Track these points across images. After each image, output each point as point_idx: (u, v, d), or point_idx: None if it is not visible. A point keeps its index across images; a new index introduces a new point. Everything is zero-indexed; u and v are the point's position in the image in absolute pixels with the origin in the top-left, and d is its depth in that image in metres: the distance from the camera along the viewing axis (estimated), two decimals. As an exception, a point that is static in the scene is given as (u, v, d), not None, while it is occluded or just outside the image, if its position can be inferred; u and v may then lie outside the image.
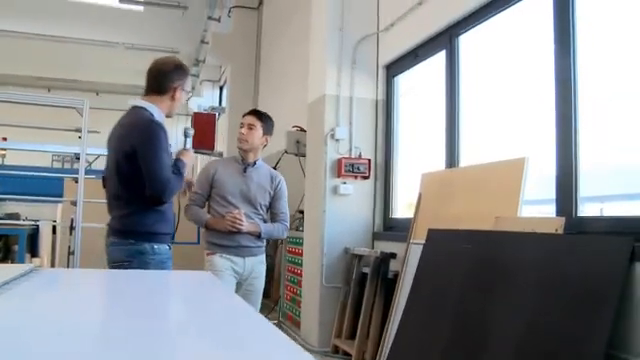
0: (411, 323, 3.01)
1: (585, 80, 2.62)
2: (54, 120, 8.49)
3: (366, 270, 4.01)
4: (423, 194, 3.59)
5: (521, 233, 2.51)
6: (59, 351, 0.86)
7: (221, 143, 8.52)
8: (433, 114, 3.92)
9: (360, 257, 4.14)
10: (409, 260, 3.43)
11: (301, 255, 4.82)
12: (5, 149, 8.00)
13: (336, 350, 4.15)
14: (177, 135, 5.60)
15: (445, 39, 3.74)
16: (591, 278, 2.07)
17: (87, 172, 4.50)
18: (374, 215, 4.44)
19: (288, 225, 3.31)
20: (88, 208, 4.35)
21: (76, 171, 4.52)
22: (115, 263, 2.47)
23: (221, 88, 11.11)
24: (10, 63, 11.56)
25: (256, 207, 3.16)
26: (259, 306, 3.27)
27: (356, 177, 4.38)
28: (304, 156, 4.98)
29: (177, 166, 2.54)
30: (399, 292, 3.44)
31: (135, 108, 2.56)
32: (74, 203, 4.19)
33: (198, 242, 4.93)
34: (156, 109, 2.54)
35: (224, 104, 10.25)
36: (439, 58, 3.85)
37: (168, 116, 2.61)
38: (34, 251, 6.72)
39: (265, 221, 3.22)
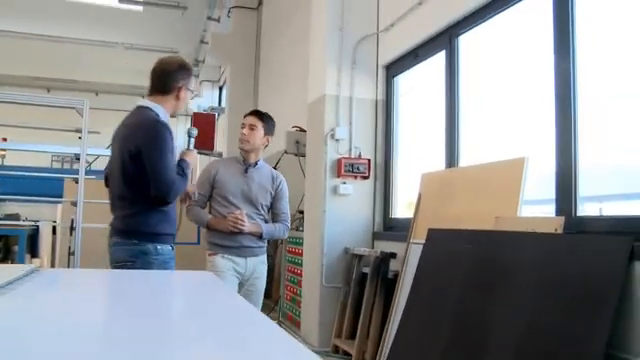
0: (411, 323, 3.02)
1: (585, 80, 2.63)
2: (53, 120, 8.49)
3: (366, 270, 4.02)
4: (423, 194, 3.59)
5: (521, 233, 2.52)
6: (62, 351, 0.86)
7: (221, 143, 8.53)
8: (433, 114, 3.92)
9: (360, 257, 4.15)
10: (409, 260, 3.44)
11: (301, 255, 4.83)
12: (5, 150, 8.00)
13: (336, 350, 4.16)
14: (177, 135, 5.60)
15: (445, 39, 3.74)
16: (591, 278, 2.08)
17: (87, 172, 4.50)
18: (374, 215, 4.45)
19: (289, 225, 3.32)
20: (88, 208, 4.35)
21: (76, 171, 4.52)
22: (118, 263, 2.47)
23: (220, 88, 11.11)
24: (8, 63, 11.56)
25: (257, 207, 3.17)
26: (260, 306, 3.28)
27: (356, 177, 4.38)
28: (304, 156, 4.98)
29: (181, 167, 2.53)
30: (399, 292, 3.44)
31: (140, 108, 2.56)
32: (74, 203, 4.19)
33: (198, 242, 4.93)
34: (161, 109, 2.54)
35: (224, 104, 10.25)
36: (439, 58, 3.86)
37: (172, 116, 2.61)
38: (34, 252, 6.72)
39: (266, 221, 3.23)
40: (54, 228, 6.21)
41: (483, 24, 3.43)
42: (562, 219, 2.45)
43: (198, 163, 2.96)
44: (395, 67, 4.42)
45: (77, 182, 4.20)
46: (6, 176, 6.01)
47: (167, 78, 2.57)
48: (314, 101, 4.64)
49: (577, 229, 2.49)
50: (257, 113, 3.29)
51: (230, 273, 3.07)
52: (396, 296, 3.47)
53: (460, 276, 2.73)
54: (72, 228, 4.24)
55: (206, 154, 6.85)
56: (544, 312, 2.17)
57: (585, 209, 2.59)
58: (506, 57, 3.42)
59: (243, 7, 8.73)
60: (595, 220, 2.53)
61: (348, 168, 4.33)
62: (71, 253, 4.24)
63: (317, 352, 4.14)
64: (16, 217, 6.98)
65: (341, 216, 4.35)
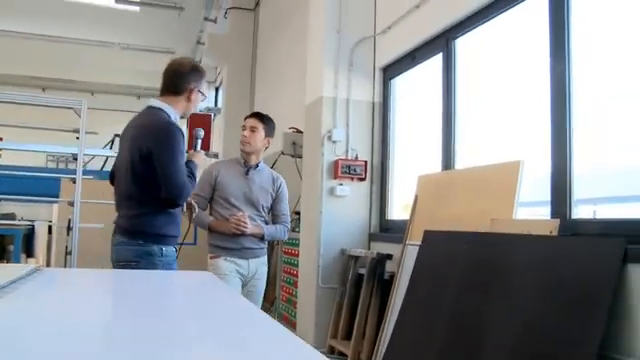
0: (407, 324, 3.04)
1: (580, 83, 2.66)
2: (48, 120, 8.49)
3: (362, 271, 4.04)
4: (419, 196, 3.62)
5: (516, 235, 2.54)
6: (63, 351, 0.87)
7: (217, 144, 8.53)
8: (429, 116, 3.95)
9: (356, 258, 4.16)
10: (405, 261, 3.46)
11: (297, 256, 4.85)
12: (1, 149, 7.98)
13: (332, 351, 4.17)
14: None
15: (442, 42, 3.77)
16: (585, 280, 2.10)
17: (84, 172, 4.50)
18: (370, 216, 4.47)
19: (289, 226, 3.34)
20: (85, 208, 4.35)
21: (73, 171, 4.52)
22: (122, 262, 2.46)
23: (217, 89, 11.11)
24: (4, 62, 11.53)
25: (258, 209, 3.18)
26: (260, 306, 3.30)
27: (352, 179, 4.40)
28: (300, 157, 5.00)
29: (190, 168, 2.53)
30: (395, 293, 3.46)
31: (151, 108, 2.54)
32: (71, 203, 4.19)
33: (195, 242, 4.94)
34: (172, 110, 2.53)
35: (220, 105, 10.26)
36: (436, 61, 3.89)
37: (182, 117, 2.60)
38: (29, 251, 6.71)
39: (266, 223, 3.25)
40: (50, 228, 6.20)
41: (480, 27, 3.45)
42: (557, 222, 2.47)
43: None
44: (392, 69, 4.44)
45: (74, 182, 4.20)
46: (2, 175, 6.00)
47: (179, 79, 2.56)
48: (311, 103, 4.66)
49: (572, 231, 2.51)
50: (258, 115, 3.31)
51: (233, 275, 3.09)
52: (392, 297, 3.49)
53: (456, 278, 2.75)
54: (69, 228, 4.24)
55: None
56: (539, 313, 2.20)
57: (579, 212, 2.62)
58: (502, 60, 3.45)
59: (240, 8, 8.74)
60: (589, 223, 2.55)
61: (345, 170, 4.35)
62: (68, 253, 4.24)
63: (313, 353, 4.16)
64: (12, 217, 6.97)
65: (337, 217, 4.37)
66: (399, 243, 3.64)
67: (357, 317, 3.88)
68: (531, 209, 3.05)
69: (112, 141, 9.43)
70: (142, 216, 2.46)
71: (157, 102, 2.56)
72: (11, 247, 6.25)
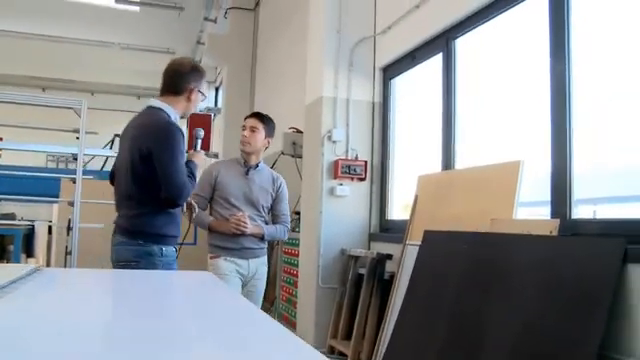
0: (407, 324, 3.04)
1: (580, 83, 2.66)
2: (48, 120, 8.49)
3: (362, 271, 4.04)
4: (419, 196, 3.62)
5: (516, 235, 2.54)
6: (63, 351, 0.87)
7: (217, 144, 8.54)
8: (429, 116, 3.95)
9: (356, 258, 4.17)
10: (405, 261, 3.46)
11: (297, 256, 4.85)
12: (1, 149, 7.98)
13: (332, 351, 4.17)
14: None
15: (442, 42, 3.77)
16: (585, 280, 2.10)
17: (84, 172, 4.50)
18: (370, 216, 4.47)
19: (289, 226, 3.34)
20: (85, 208, 4.35)
21: (73, 171, 4.52)
22: (122, 262, 2.46)
23: (217, 89, 11.12)
24: (4, 62, 11.53)
25: (258, 209, 3.18)
26: (260, 306, 3.30)
27: (352, 179, 4.41)
28: (300, 157, 5.00)
29: (190, 168, 2.53)
30: (395, 293, 3.47)
31: (151, 108, 2.54)
32: (71, 203, 4.19)
33: (195, 242, 4.94)
34: (172, 110, 2.53)
35: (220, 105, 10.26)
36: (436, 61, 3.89)
37: (182, 117, 2.60)
38: (29, 251, 6.71)
39: (266, 223, 3.25)
40: (50, 228, 6.20)
41: (480, 27, 3.45)
42: (557, 222, 2.48)
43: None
44: (392, 69, 4.44)
45: (74, 182, 4.20)
46: (2, 175, 6.00)
47: (179, 79, 2.56)
48: (311, 103, 4.66)
49: (572, 231, 2.51)
50: (258, 115, 3.31)
51: (233, 275, 3.09)
52: (392, 297, 3.49)
53: (456, 277, 2.75)
54: (69, 228, 4.24)
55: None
56: (539, 313, 2.20)
57: (579, 212, 2.62)
58: (502, 60, 3.45)
59: (240, 8, 8.74)
60: (589, 223, 2.55)
61: (345, 170, 4.35)
62: (68, 253, 4.24)
63: (313, 353, 4.16)
64: (12, 217, 6.98)
65: (337, 217, 4.37)
66: (399, 243, 3.64)
67: (357, 317, 3.88)
68: (531, 209, 3.05)
69: (112, 141, 9.44)
70: (142, 216, 2.46)
71: (157, 102, 2.56)
72: (11, 247, 6.26)
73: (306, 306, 4.52)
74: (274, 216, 3.29)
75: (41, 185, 6.05)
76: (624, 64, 2.57)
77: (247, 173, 3.20)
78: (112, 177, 2.69)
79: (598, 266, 2.09)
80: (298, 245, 4.81)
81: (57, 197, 5.24)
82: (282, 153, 5.32)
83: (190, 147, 2.70)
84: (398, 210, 4.39)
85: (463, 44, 3.67)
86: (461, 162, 3.58)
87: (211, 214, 3.19)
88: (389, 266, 3.84)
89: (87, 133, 4.30)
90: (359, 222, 4.44)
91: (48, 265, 5.90)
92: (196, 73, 2.61)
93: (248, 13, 8.78)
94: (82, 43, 10.73)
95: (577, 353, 2.00)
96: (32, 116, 8.86)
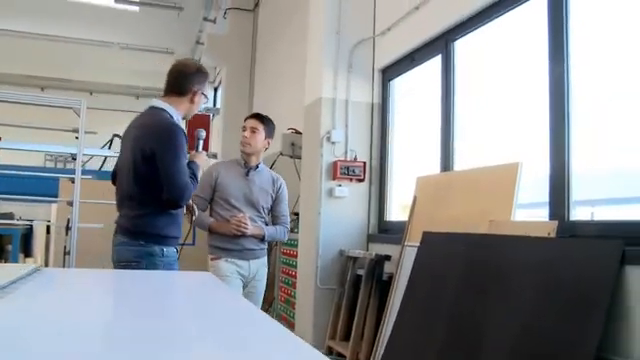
0: (405, 324, 3.05)
1: (578, 85, 2.67)
2: (46, 120, 8.45)
3: (361, 272, 4.05)
4: (418, 197, 3.63)
5: (515, 236, 2.55)
6: (64, 351, 0.88)
7: (215, 144, 8.54)
8: (428, 118, 3.96)
9: (355, 259, 4.17)
10: (403, 262, 3.47)
11: (295, 257, 4.85)
12: (0, 149, 7.96)
13: (330, 351, 4.18)
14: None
15: (441, 44, 3.78)
16: (583, 281, 2.11)
17: (83, 172, 4.50)
18: (369, 217, 4.48)
19: (289, 227, 3.35)
20: (84, 208, 4.35)
21: (72, 171, 4.52)
22: (123, 263, 2.45)
23: (216, 89, 11.12)
24: (3, 62, 11.51)
25: (259, 210, 3.19)
26: (259, 307, 3.30)
27: (351, 180, 4.41)
28: (299, 158, 5.01)
29: (192, 169, 2.52)
30: (393, 294, 3.47)
31: (154, 109, 2.54)
32: (70, 203, 4.19)
33: (193, 243, 4.94)
34: (174, 111, 2.53)
35: (219, 105, 10.26)
36: (435, 62, 3.90)
37: (184, 119, 2.61)
38: (27, 251, 6.71)
39: (266, 224, 3.25)
40: (48, 227, 6.20)
41: (479, 29, 3.46)
42: (555, 223, 2.48)
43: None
44: (391, 71, 4.45)
45: (73, 182, 4.20)
46: (0, 175, 5.99)
47: (184, 80, 2.56)
48: (310, 104, 4.66)
49: (570, 233, 2.52)
50: (258, 116, 3.31)
51: (234, 276, 3.09)
52: (390, 298, 3.50)
53: (454, 279, 2.76)
54: (68, 228, 4.24)
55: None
56: (537, 315, 2.21)
57: (577, 213, 2.63)
58: (501, 62, 3.46)
59: (239, 8, 8.75)
60: (587, 224, 2.56)
61: (344, 171, 4.35)
62: (67, 253, 4.24)
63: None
64: (10, 216, 6.97)
65: (336, 218, 4.38)
66: (397, 244, 3.65)
67: (355, 318, 3.89)
68: (529, 210, 3.06)
69: (111, 141, 9.42)
70: (144, 217, 2.46)
71: (160, 102, 2.56)
72: (9, 247, 6.25)
73: (304, 307, 4.52)
74: (274, 217, 3.29)
75: (39, 185, 6.04)
76: (623, 65, 2.59)
77: (247, 174, 3.21)
78: (114, 177, 2.69)
79: (596, 268, 2.10)
80: (297, 246, 4.81)
81: (56, 197, 5.24)
82: (281, 154, 5.33)
83: (192, 148, 2.70)
84: (397, 211, 4.40)
85: (462, 46, 3.68)
86: (460, 163, 3.59)
87: (211, 215, 3.19)
88: (387, 267, 3.85)
89: (86, 133, 4.30)
90: (358, 223, 4.44)
91: (46, 265, 5.90)
92: (200, 75, 2.62)
93: (247, 14, 8.79)
94: (81, 43, 10.72)
95: (575, 355, 2.01)
96: (31, 116, 8.83)
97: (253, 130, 3.20)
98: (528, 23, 3.08)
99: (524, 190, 2.78)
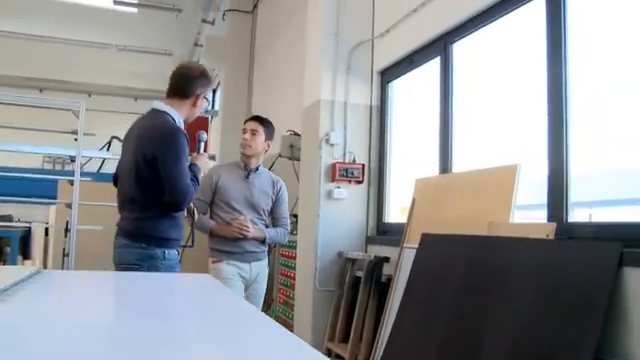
0: (404, 327, 3.05)
1: (576, 88, 2.68)
2: (44, 121, 8.43)
3: (359, 274, 4.05)
4: (417, 199, 3.64)
5: (513, 238, 2.56)
6: (65, 351, 0.88)
7: (214, 146, 8.54)
8: (427, 120, 3.97)
9: (354, 261, 4.18)
10: (402, 264, 3.47)
11: (294, 259, 4.86)
12: (-1, 150, 7.96)
13: (329, 353, 4.18)
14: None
15: (440, 46, 3.79)
16: (581, 283, 2.12)
17: (81, 174, 4.50)
18: (368, 219, 4.48)
19: (289, 229, 3.35)
20: (82, 210, 4.35)
21: (72, 173, 4.52)
22: (124, 265, 2.46)
23: (214, 91, 11.13)
24: (1, 63, 11.50)
25: (259, 212, 3.19)
26: (260, 309, 3.31)
27: (350, 182, 4.42)
28: (298, 160, 5.01)
29: (193, 172, 2.52)
30: (392, 295, 3.48)
31: (156, 111, 2.55)
32: (69, 205, 4.19)
33: (192, 245, 4.94)
34: (176, 113, 2.54)
35: (217, 107, 10.27)
36: (433, 65, 3.91)
37: (185, 122, 2.61)
38: (26, 253, 6.70)
39: (267, 226, 3.26)
40: (46, 229, 6.19)
41: (478, 31, 3.48)
42: (554, 225, 2.50)
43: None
44: (390, 73, 4.46)
45: (72, 184, 4.20)
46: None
47: (187, 83, 2.57)
48: (309, 106, 4.67)
49: (568, 235, 2.53)
50: (258, 118, 3.32)
51: (236, 279, 3.09)
52: (389, 300, 3.50)
53: (453, 280, 2.77)
54: (67, 230, 4.24)
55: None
56: (536, 317, 2.22)
57: (575, 215, 2.64)
58: (500, 64, 3.47)
59: (238, 10, 8.75)
60: (585, 226, 2.58)
61: (342, 173, 4.36)
62: (66, 255, 4.24)
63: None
64: (9, 218, 6.96)
65: (335, 220, 4.38)
66: (396, 246, 3.65)
67: (354, 320, 3.89)
68: (528, 212, 3.07)
69: (109, 143, 9.41)
70: (145, 219, 2.46)
71: (162, 105, 2.56)
72: (7, 249, 6.24)
73: (303, 309, 4.53)
74: (274, 219, 3.30)
75: (38, 186, 6.03)
76: (621, 68, 2.60)
77: (247, 177, 3.21)
78: (115, 179, 2.70)
79: (594, 270, 2.11)
80: (295, 248, 4.81)
81: (54, 199, 5.24)
82: (279, 156, 5.33)
83: (193, 150, 2.70)
84: (395, 213, 4.41)
85: (461, 48, 3.69)
86: (458, 165, 3.60)
87: (212, 218, 3.19)
88: (386, 269, 3.85)
89: (85, 135, 4.30)
90: (356, 225, 4.45)
91: (45, 267, 5.89)
92: (204, 79, 2.63)
93: (246, 15, 8.79)
94: (80, 44, 10.72)
95: (573, 356, 2.02)
96: (28, 117, 8.82)
97: (253, 132, 3.21)
98: (526, 25, 3.09)
99: (522, 191, 2.79)
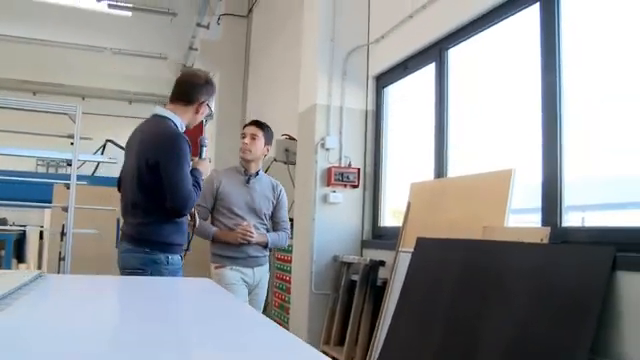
0: (400, 330, 3.07)
1: (570, 93, 2.72)
2: (37, 124, 8.39)
3: (355, 277, 4.07)
4: (412, 203, 3.66)
5: (508, 242, 2.59)
6: (72, 351, 0.90)
7: (209, 150, 8.54)
8: (422, 125, 4.00)
9: (349, 265, 4.20)
10: (398, 268, 3.50)
11: (290, 262, 4.87)
12: (-5, 154, 7.94)
13: (325, 356, 4.19)
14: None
15: (435, 52, 3.83)
16: (575, 287, 2.15)
17: (77, 178, 4.50)
18: (363, 223, 4.51)
19: (289, 233, 3.37)
20: (77, 214, 4.35)
21: (67, 177, 4.52)
22: (128, 270, 2.47)
23: (209, 95, 11.12)
24: (-5, 66, 11.47)
25: (261, 217, 3.20)
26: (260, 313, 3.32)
27: (345, 186, 4.44)
28: (293, 164, 5.03)
29: (195, 177, 2.53)
30: (388, 299, 3.50)
31: (159, 117, 2.55)
32: (65, 209, 4.19)
33: (189, 249, 4.94)
34: (179, 119, 2.55)
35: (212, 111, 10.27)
36: (428, 70, 3.94)
37: (187, 128, 2.62)
38: (20, 257, 6.68)
39: (267, 230, 3.27)
40: (41, 233, 6.18)
41: (473, 38, 3.51)
42: (548, 229, 2.53)
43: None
44: (385, 78, 4.49)
45: (68, 187, 4.20)
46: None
47: (192, 90, 2.59)
48: (305, 110, 4.70)
49: (562, 239, 2.56)
50: (258, 123, 3.33)
51: (240, 284, 3.10)
52: (385, 303, 3.52)
53: (449, 284, 2.79)
54: (63, 233, 4.23)
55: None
56: (531, 320, 2.24)
57: (570, 219, 2.67)
58: (494, 70, 3.51)
59: (233, 14, 8.78)
60: (579, 231, 2.61)
61: (338, 177, 4.39)
62: (61, 258, 4.23)
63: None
64: (3, 222, 6.94)
65: (330, 224, 4.40)
66: (392, 250, 3.68)
67: (350, 323, 3.91)
68: (522, 216, 3.10)
69: (104, 146, 9.40)
70: (149, 225, 2.47)
71: (164, 111, 2.57)
72: (2, 252, 6.22)
73: (299, 312, 4.54)
74: (274, 223, 3.31)
75: (32, 190, 6.02)
76: (614, 75, 2.64)
77: (248, 182, 3.22)
78: (119, 184, 2.70)
79: (588, 274, 2.14)
80: (291, 251, 4.83)
81: (49, 202, 5.23)
82: (275, 160, 5.35)
83: (195, 155, 2.71)
84: (390, 217, 4.43)
85: (456, 54, 3.73)
86: (453, 170, 3.63)
87: (213, 224, 3.19)
88: (382, 273, 3.87)
89: (81, 139, 4.30)
90: (352, 229, 4.47)
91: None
92: (209, 87, 2.65)
93: (241, 19, 8.82)
94: (74, 47, 10.71)
95: (568, 359, 2.05)
96: (21, 120, 8.78)
97: (253, 137, 3.22)
98: (521, 32, 3.13)
99: (517, 196, 2.83)
